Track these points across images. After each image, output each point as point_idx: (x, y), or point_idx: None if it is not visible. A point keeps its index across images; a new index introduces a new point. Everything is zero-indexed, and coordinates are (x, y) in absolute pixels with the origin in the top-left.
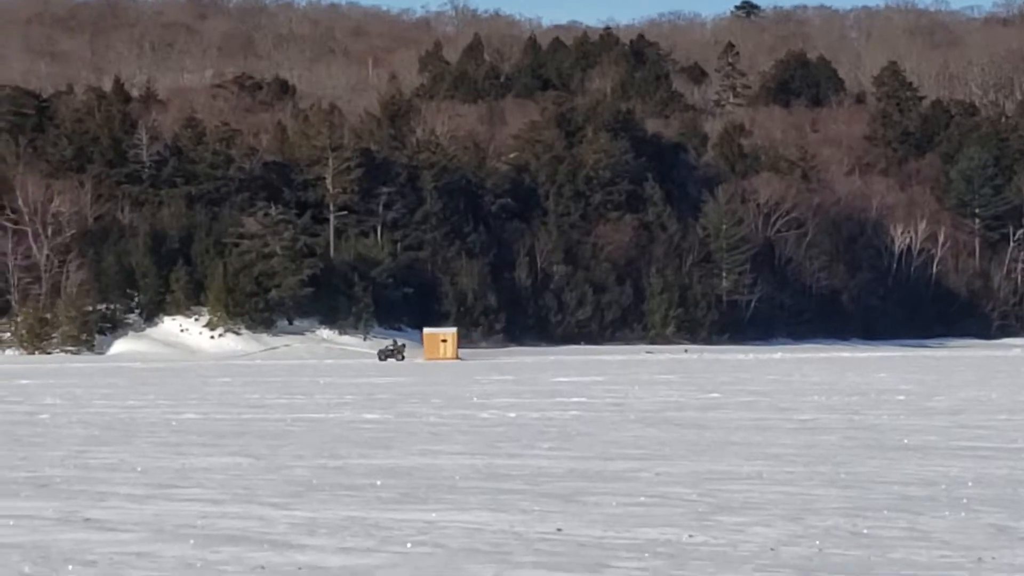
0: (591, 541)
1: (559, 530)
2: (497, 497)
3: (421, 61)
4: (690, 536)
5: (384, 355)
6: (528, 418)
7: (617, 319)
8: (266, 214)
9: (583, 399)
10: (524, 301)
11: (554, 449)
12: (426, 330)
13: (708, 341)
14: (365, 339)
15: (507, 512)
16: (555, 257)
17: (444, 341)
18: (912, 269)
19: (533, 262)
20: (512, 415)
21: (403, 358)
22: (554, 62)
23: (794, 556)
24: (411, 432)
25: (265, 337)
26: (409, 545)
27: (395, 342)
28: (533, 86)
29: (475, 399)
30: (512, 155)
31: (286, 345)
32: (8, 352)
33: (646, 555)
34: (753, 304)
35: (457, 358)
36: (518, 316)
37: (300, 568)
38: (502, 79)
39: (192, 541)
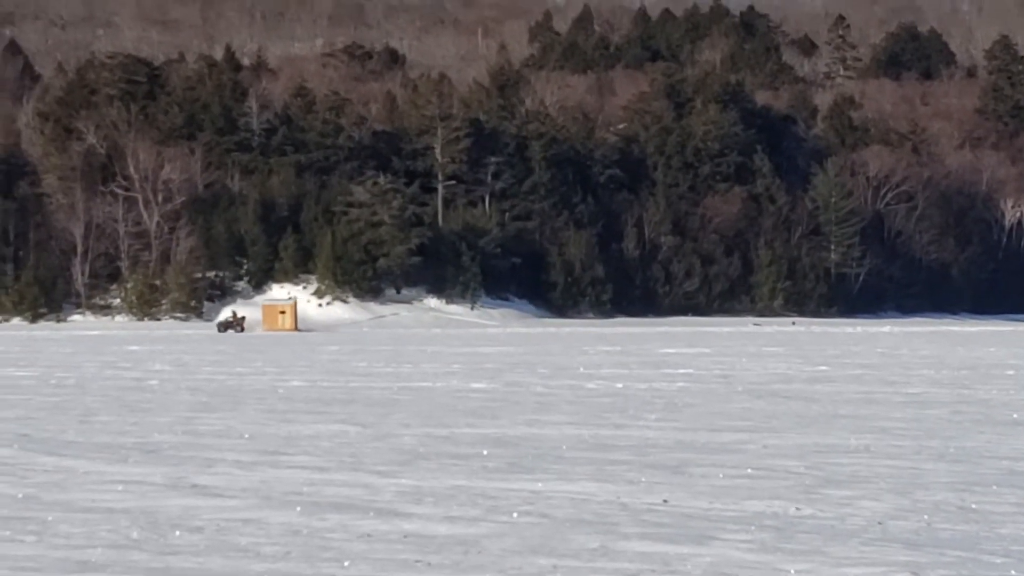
0: (697, 513)
1: (665, 501)
2: (603, 468)
3: (531, 31)
4: (797, 509)
5: (223, 327)
6: (635, 389)
7: (725, 291)
8: (375, 183)
9: (690, 370)
10: (632, 272)
11: (661, 420)
12: (265, 301)
13: (816, 314)
14: (473, 308)
15: (613, 483)
16: (663, 228)
17: (283, 313)
18: (1022, 243)
19: (641, 233)
20: (619, 386)
21: (243, 329)
22: (664, 33)
23: (902, 530)
24: (518, 402)
25: (373, 306)
26: (515, 515)
27: (234, 313)
28: (642, 57)
29: (582, 369)
30: (621, 126)
31: (394, 314)
32: (118, 318)
33: (752, 527)
34: (862, 277)
35: (296, 329)
36: (625, 287)
37: (406, 536)
38: (611, 50)
39: (299, 508)
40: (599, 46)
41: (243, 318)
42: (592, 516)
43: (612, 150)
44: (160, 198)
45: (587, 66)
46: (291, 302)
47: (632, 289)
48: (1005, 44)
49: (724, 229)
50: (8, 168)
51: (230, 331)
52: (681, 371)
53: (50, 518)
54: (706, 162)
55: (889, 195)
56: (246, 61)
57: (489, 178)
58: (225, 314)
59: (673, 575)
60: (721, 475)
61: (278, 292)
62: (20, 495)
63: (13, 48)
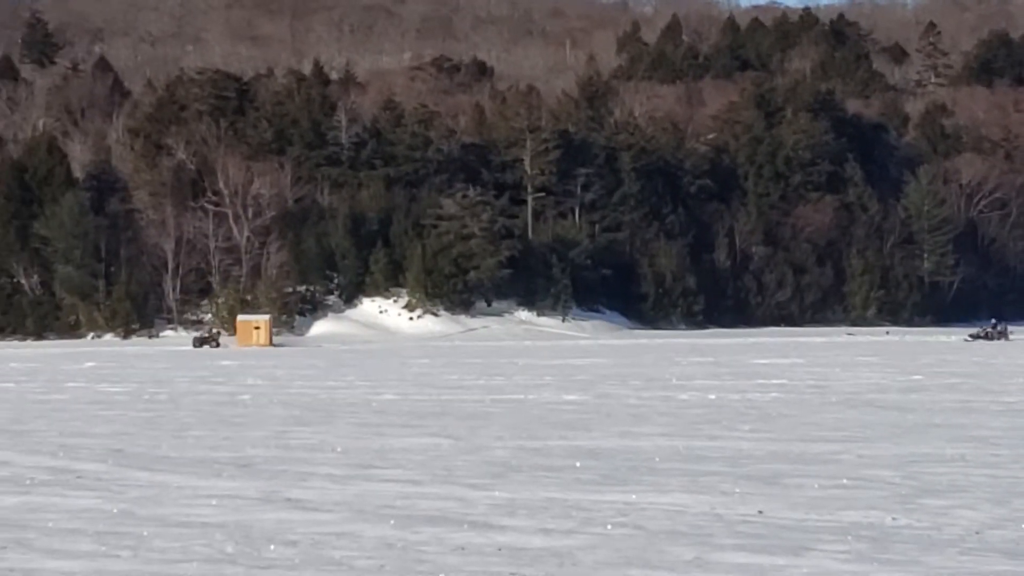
0: (793, 524)
1: (760, 512)
2: (697, 479)
3: (619, 42)
4: (893, 519)
5: (199, 342)
6: (728, 400)
7: (817, 301)
8: (464, 196)
9: (783, 381)
10: (723, 283)
11: (754, 431)
12: (239, 317)
13: (910, 323)
14: (564, 320)
15: (708, 494)
16: (754, 238)
17: (257, 328)
18: None
19: (732, 243)
20: (712, 397)
21: (218, 345)
22: (753, 42)
23: (1000, 539)
24: (610, 413)
25: (463, 318)
26: (609, 527)
27: (210, 329)
28: (732, 67)
29: (674, 381)
30: (711, 136)
31: (484, 327)
32: None
33: (849, 538)
34: (956, 285)
35: (271, 344)
36: (717, 298)
37: (500, 549)
38: (700, 60)
39: (392, 521)
40: (688, 56)
41: (218, 333)
42: (686, 527)
43: (702, 160)
44: (250, 213)
45: (676, 76)
46: (266, 318)
47: (724, 300)
48: None
49: (816, 238)
50: (99, 185)
51: (206, 346)
52: (774, 381)
53: (145, 533)
54: (797, 171)
55: (982, 202)
56: (335, 75)
57: (579, 189)
58: (202, 330)
59: None
60: (816, 486)
61: (368, 306)
62: (115, 510)
63: (103, 65)
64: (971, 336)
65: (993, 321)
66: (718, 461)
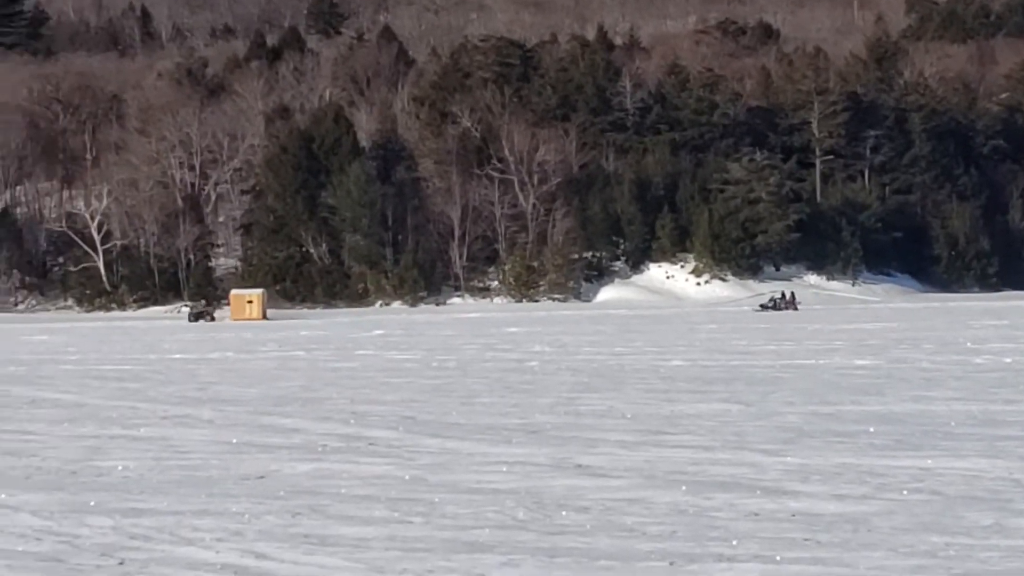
0: None
1: None
2: (994, 443)
3: (908, 1)
4: None
5: (194, 316)
6: None
7: None
8: (751, 159)
9: None
10: (1018, 245)
11: None
12: (233, 292)
13: None
14: (854, 284)
15: (1005, 459)
16: None
17: (250, 302)
18: None
19: None
20: (1008, 360)
21: (213, 319)
22: None
23: None
24: (903, 378)
25: (752, 283)
26: (905, 492)
27: (205, 303)
28: None
29: (968, 344)
30: (1004, 95)
31: (773, 291)
32: (497, 300)
33: None
34: None
35: (265, 318)
36: (1012, 260)
37: (794, 515)
38: (992, 18)
39: (684, 487)
40: (979, 14)
41: (212, 307)
42: (984, 493)
43: (995, 120)
44: (535, 180)
45: (967, 35)
46: (259, 292)
47: (1019, 262)
48: None
49: None
50: (386, 153)
51: (201, 320)
52: None
53: (437, 499)
54: None
55: None
56: (619, 40)
57: (868, 152)
58: (196, 306)
59: None
60: None
61: (655, 271)
62: (407, 476)
63: (388, 34)
64: (761, 306)
65: (782, 292)
66: (1015, 426)
